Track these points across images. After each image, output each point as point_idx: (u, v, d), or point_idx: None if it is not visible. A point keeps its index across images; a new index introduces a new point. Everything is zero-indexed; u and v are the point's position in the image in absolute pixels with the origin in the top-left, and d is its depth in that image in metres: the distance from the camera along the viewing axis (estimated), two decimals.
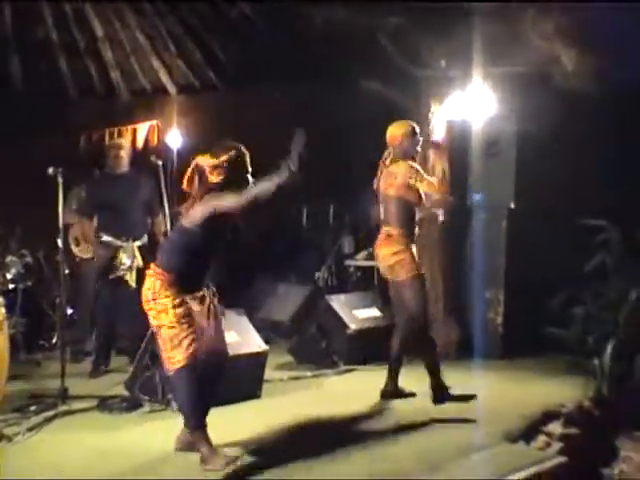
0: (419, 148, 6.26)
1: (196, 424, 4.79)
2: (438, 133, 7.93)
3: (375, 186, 6.30)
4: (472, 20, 7.12)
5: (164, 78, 10.31)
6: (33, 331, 7.89)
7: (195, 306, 4.82)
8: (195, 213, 4.80)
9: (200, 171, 4.88)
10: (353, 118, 9.08)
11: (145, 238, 7.40)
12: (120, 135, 10.07)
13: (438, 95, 7.91)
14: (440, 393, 6.16)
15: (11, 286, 7.62)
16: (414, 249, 6.14)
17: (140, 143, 10.44)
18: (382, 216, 6.24)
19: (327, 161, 9.18)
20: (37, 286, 8.14)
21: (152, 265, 4.91)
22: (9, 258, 7.70)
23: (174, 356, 4.73)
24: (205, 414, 4.82)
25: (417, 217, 6.26)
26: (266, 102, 9.51)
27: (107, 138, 9.95)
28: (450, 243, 7.96)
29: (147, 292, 4.83)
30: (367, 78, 8.05)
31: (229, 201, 4.77)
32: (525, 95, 7.53)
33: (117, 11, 9.38)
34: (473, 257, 7.88)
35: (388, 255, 6.13)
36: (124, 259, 7.17)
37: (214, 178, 4.89)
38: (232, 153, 4.95)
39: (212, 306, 4.92)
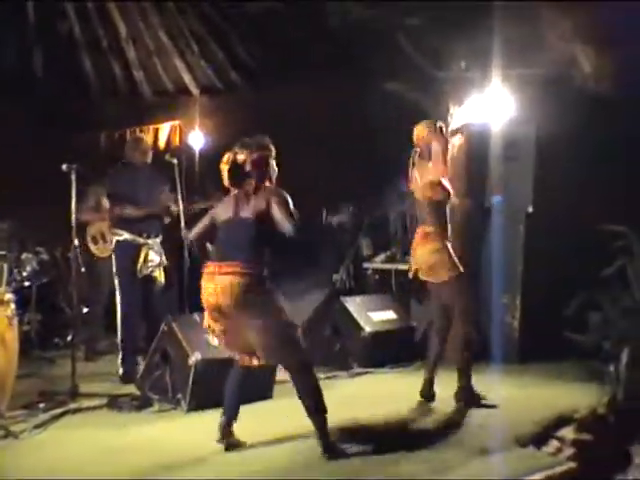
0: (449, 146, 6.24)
1: (324, 408, 4.92)
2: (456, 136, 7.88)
3: (408, 187, 6.34)
4: (492, 21, 7.05)
5: (187, 78, 10.34)
6: (48, 329, 7.91)
7: None
8: (260, 205, 4.95)
9: (239, 165, 4.97)
10: (374, 119, 9.06)
11: (160, 236, 7.33)
12: (142, 133, 10.10)
13: (457, 97, 7.84)
14: (465, 395, 6.14)
15: (26, 283, 7.65)
16: (450, 246, 6.11)
17: (162, 143, 10.47)
18: (418, 216, 6.25)
19: (347, 163, 9.18)
20: (52, 284, 8.15)
21: (233, 264, 4.90)
22: (24, 255, 7.72)
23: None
24: None
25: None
26: (288, 102, 9.50)
27: (129, 136, 9.97)
28: (467, 246, 7.88)
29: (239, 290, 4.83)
30: (388, 79, 8.03)
31: (281, 218, 5.00)
32: (545, 98, 7.46)
33: (141, 10, 9.41)
34: (490, 260, 7.80)
35: (427, 254, 6.11)
36: (152, 256, 7.10)
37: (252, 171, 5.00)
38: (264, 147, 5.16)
39: None
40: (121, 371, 6.95)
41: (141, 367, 6.52)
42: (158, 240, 7.25)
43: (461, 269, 6.11)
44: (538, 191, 7.76)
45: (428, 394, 6.29)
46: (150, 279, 7.11)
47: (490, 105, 7.53)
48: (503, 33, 7.12)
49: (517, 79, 7.38)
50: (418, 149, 6.18)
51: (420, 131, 6.19)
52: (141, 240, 7.10)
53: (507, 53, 7.26)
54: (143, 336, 7.23)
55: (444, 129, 6.21)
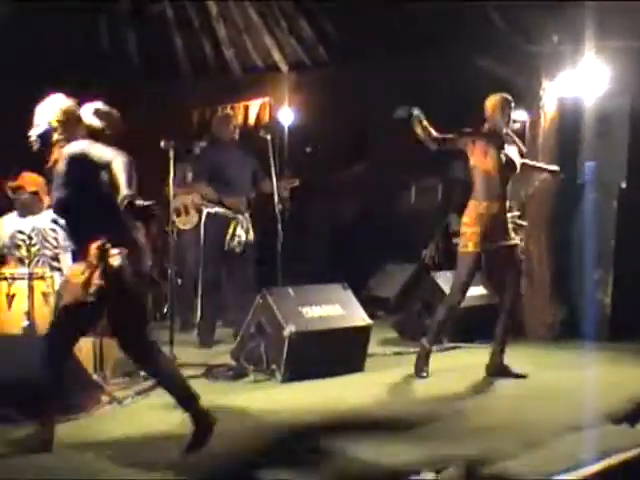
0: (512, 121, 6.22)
1: None
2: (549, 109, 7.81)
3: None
4: None
5: (276, 55, 10.42)
6: None
7: None
8: None
9: None
10: (465, 95, 9.01)
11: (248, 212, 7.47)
12: (232, 112, 10.22)
13: (550, 71, 7.76)
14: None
15: None
16: (487, 223, 6.04)
17: (252, 120, 10.59)
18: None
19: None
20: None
21: None
22: None
23: None
24: None
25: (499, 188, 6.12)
26: (376, 79, 9.52)
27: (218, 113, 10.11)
28: (559, 221, 7.84)
29: None
30: (479, 54, 7.98)
31: None
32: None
33: None
34: (583, 236, 7.73)
35: (462, 224, 6.20)
36: (238, 230, 7.25)
37: None
38: None
39: None
40: (199, 342, 7.22)
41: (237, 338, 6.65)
42: (247, 215, 7.39)
43: (474, 247, 6.06)
44: (632, 165, 7.66)
45: (496, 370, 6.27)
46: (232, 253, 7.26)
47: (583, 79, 7.43)
48: (596, 3, 7.01)
49: (611, 51, 7.26)
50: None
51: (486, 104, 6.21)
52: (231, 214, 7.26)
53: (600, 25, 7.15)
54: (219, 309, 7.55)
55: (508, 101, 6.16)
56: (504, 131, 6.16)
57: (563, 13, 7.21)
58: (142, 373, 5.81)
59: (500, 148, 6.09)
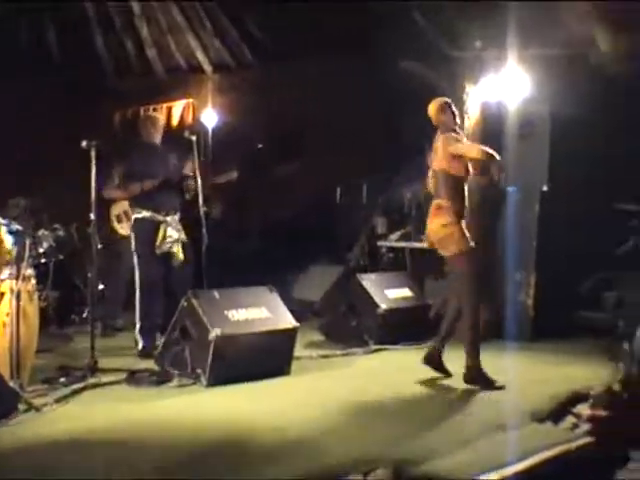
0: (458, 120, 6.24)
1: None
2: (473, 114, 7.91)
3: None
4: (508, 1, 7.06)
5: (200, 56, 10.34)
6: (64, 305, 7.94)
7: None
8: None
9: None
10: (389, 98, 9.08)
11: (178, 213, 7.35)
12: (155, 111, 10.10)
13: (473, 76, 7.86)
14: (472, 375, 6.17)
15: (43, 260, 7.67)
16: (464, 224, 6.12)
17: (175, 121, 10.50)
18: (433, 189, 6.28)
19: (361, 141, 9.20)
20: (70, 260, 8.16)
21: None
22: (41, 231, 7.71)
23: None
24: None
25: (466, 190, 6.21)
26: (300, 81, 9.51)
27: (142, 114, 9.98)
28: (482, 224, 7.91)
29: None
30: (404, 57, 8.04)
31: None
32: (560, 77, 7.48)
33: None
34: (505, 239, 7.84)
35: (438, 227, 6.14)
36: (170, 232, 7.12)
37: None
38: None
39: None
40: (140, 345, 6.99)
41: (160, 343, 6.55)
42: (177, 217, 7.28)
43: (470, 245, 6.10)
44: (553, 170, 7.80)
45: (432, 361, 6.31)
46: (168, 256, 7.14)
47: (505, 84, 7.53)
48: (519, 12, 7.12)
49: (532, 58, 7.38)
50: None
51: (430, 110, 6.25)
52: (160, 217, 7.12)
53: (523, 32, 7.27)
54: (161, 312, 7.24)
55: (452, 107, 6.22)
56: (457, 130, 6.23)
57: (487, 19, 7.30)
58: (62, 380, 5.70)
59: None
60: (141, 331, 7.05)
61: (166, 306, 7.04)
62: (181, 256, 7.12)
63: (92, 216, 6.54)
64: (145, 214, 7.11)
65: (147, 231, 7.10)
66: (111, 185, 7.23)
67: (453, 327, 6.33)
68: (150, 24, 9.93)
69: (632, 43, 6.92)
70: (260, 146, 10.41)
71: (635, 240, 7.06)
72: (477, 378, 6.10)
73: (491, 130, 7.84)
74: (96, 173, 6.39)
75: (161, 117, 7.96)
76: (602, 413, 5.78)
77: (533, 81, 7.54)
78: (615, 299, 7.02)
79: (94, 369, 6.12)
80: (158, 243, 7.03)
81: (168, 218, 7.15)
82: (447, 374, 6.31)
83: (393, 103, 8.16)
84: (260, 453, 4.51)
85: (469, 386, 6.04)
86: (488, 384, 6.02)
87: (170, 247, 7.08)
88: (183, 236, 7.19)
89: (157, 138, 7.39)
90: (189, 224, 7.34)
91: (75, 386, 5.72)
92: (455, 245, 6.07)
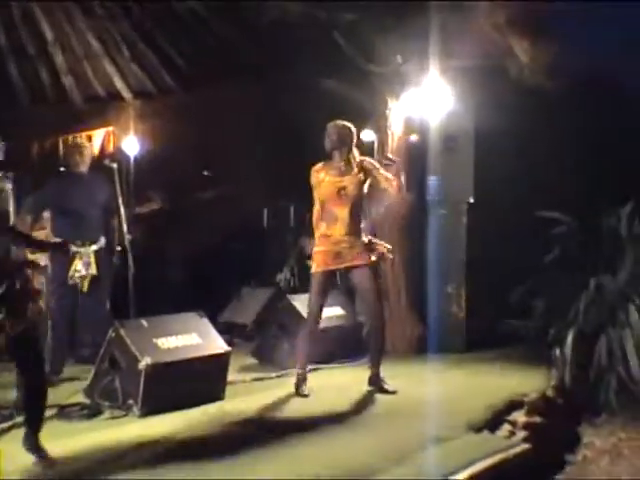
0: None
1: None
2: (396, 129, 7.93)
3: None
4: (427, 14, 7.10)
5: (118, 83, 10.19)
6: None
7: None
8: None
9: None
10: (312, 117, 9.06)
11: (102, 241, 7.26)
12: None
13: (395, 91, 7.88)
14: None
15: None
16: (330, 245, 6.30)
17: (96, 150, 10.30)
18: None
19: (287, 161, 9.17)
20: None
21: None
22: None
23: None
24: None
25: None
26: (222, 104, 9.45)
27: (62, 144, 9.79)
28: (411, 238, 7.94)
29: None
30: (323, 76, 8.04)
31: None
32: (483, 89, 7.54)
33: (67, 14, 9.23)
34: (434, 252, 7.87)
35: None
36: (79, 266, 7.04)
37: None
38: None
39: None
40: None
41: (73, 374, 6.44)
42: (95, 247, 7.17)
43: (318, 268, 6.35)
44: (479, 181, 7.86)
45: (374, 382, 6.44)
46: (82, 288, 7.06)
47: (428, 98, 7.57)
48: (438, 25, 7.18)
49: (454, 71, 7.43)
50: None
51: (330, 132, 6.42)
52: (74, 248, 7.01)
53: (443, 46, 7.32)
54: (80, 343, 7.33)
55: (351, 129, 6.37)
56: (345, 160, 6.35)
57: (407, 33, 7.32)
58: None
59: (336, 177, 6.33)
60: (50, 361, 6.94)
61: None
62: (85, 289, 7.05)
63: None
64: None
65: (61, 261, 7.01)
66: (24, 216, 7.11)
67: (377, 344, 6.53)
68: (65, 51, 9.73)
69: (550, 54, 7.01)
70: (206, 173, 10.33)
71: (561, 247, 7.14)
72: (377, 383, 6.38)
73: (415, 144, 7.87)
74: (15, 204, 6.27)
75: (88, 145, 7.85)
76: (537, 420, 5.84)
77: (456, 94, 7.58)
78: (544, 307, 7.08)
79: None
80: (71, 274, 6.98)
81: (82, 250, 7.05)
82: (387, 392, 6.34)
83: (314, 122, 8.12)
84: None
85: (403, 400, 6.04)
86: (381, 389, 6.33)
87: (79, 280, 7.02)
88: (92, 271, 7.11)
89: (84, 167, 7.31)
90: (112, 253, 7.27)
91: (2, 425, 5.54)
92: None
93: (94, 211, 7.25)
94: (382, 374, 6.45)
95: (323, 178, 6.35)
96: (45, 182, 7.36)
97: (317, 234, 6.40)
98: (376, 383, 6.42)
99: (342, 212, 6.29)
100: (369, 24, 7.41)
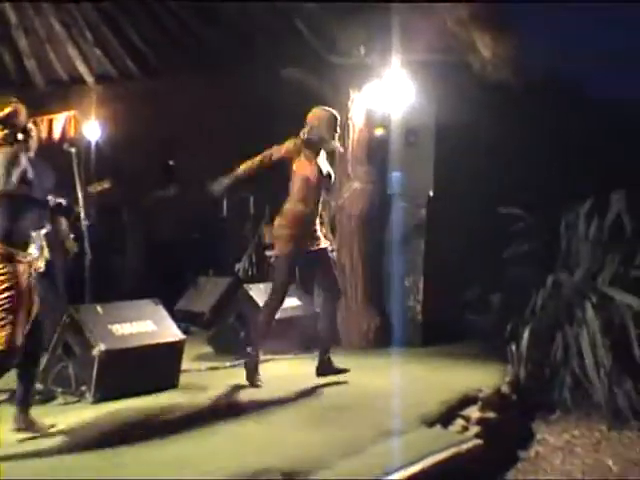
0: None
1: None
2: (357, 121, 7.92)
3: None
4: (390, 6, 7.09)
5: (81, 68, 10.10)
6: None
7: None
8: None
9: None
10: (273, 105, 9.03)
11: (49, 226, 7.17)
12: (35, 125, 9.76)
13: (357, 83, 7.86)
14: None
15: None
16: (301, 226, 6.24)
17: (57, 134, 10.21)
18: None
19: (247, 150, 9.12)
20: None
21: None
22: None
23: None
24: None
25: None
26: (184, 91, 9.39)
27: None
28: (370, 231, 7.94)
29: None
30: (286, 65, 8.00)
31: None
32: (445, 83, 7.55)
33: None
34: (393, 245, 7.88)
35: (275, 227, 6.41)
36: (31, 249, 6.93)
37: None
38: None
39: None
40: None
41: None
42: (42, 232, 7.09)
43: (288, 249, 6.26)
44: (439, 175, 7.87)
45: (325, 370, 6.46)
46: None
47: (389, 91, 7.56)
48: (401, 18, 7.17)
49: (416, 65, 7.42)
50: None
51: (315, 116, 6.35)
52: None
53: (405, 38, 7.31)
54: None
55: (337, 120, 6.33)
56: (330, 145, 6.33)
57: (370, 25, 7.31)
58: None
59: (318, 158, 6.29)
60: None
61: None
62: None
63: None
64: None
65: None
66: None
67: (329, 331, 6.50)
68: (28, 35, 9.62)
69: (512, 49, 7.03)
70: (171, 162, 10.24)
71: (520, 242, 7.18)
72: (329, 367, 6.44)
73: (376, 137, 7.87)
74: None
75: (39, 129, 7.73)
76: (491, 415, 5.86)
77: (418, 87, 7.58)
78: (501, 302, 7.12)
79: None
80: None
81: (33, 234, 6.95)
82: (343, 371, 6.39)
83: (275, 112, 8.10)
84: (149, 464, 4.41)
85: (357, 393, 6.04)
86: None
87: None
88: (46, 255, 7.02)
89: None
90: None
91: None
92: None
93: (42, 196, 7.15)
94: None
95: (301, 154, 6.26)
96: None
97: (290, 212, 6.28)
98: (328, 369, 6.40)
99: (319, 194, 6.29)
100: (331, 14, 7.38)
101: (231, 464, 4.40)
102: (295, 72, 7.90)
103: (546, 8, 7.65)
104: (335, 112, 6.36)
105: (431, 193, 7.91)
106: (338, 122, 6.34)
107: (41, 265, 6.91)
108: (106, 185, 7.22)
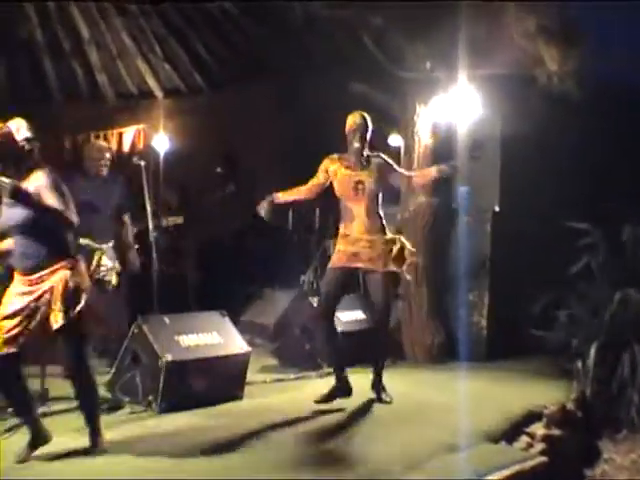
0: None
1: None
2: (423, 135, 7.92)
3: None
4: (457, 21, 7.07)
5: (150, 81, 10.27)
6: None
7: None
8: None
9: None
10: (340, 120, 9.06)
11: (112, 241, 7.30)
12: (106, 139, 10.00)
13: (423, 97, 7.87)
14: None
15: None
16: (348, 243, 6.19)
17: (126, 147, 10.38)
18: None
19: (313, 163, 9.17)
20: None
21: None
22: None
23: None
24: None
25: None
26: (251, 105, 9.50)
27: (92, 141, 9.86)
28: (435, 245, 7.92)
29: None
30: (353, 80, 8.03)
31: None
32: (510, 97, 7.51)
33: (102, 12, 9.32)
34: (457, 260, 7.85)
35: None
36: (105, 261, 7.08)
37: None
38: None
39: None
40: None
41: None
42: (110, 244, 7.23)
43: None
44: (504, 190, 7.83)
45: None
46: (101, 283, 7.08)
47: (455, 105, 7.55)
48: (468, 32, 7.14)
49: (483, 79, 7.40)
50: None
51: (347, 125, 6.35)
52: (95, 245, 7.06)
53: (472, 53, 7.28)
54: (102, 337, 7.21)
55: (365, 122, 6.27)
56: (362, 153, 6.22)
57: (436, 40, 7.30)
58: (9, 409, 5.53)
59: (350, 170, 6.20)
60: None
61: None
62: (114, 283, 7.07)
63: None
64: (82, 241, 7.04)
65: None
66: None
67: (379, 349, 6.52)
68: (99, 49, 9.82)
69: (579, 61, 6.97)
70: (219, 170, 10.37)
71: (587, 257, 7.09)
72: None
73: (442, 151, 7.85)
74: None
75: (108, 147, 7.87)
76: (556, 432, 5.80)
77: (484, 101, 7.54)
78: (568, 318, 7.04)
79: (45, 397, 6.00)
80: (91, 270, 7.00)
81: (103, 246, 7.10)
82: (382, 401, 6.30)
83: (341, 126, 8.13)
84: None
85: (421, 408, 6.03)
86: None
87: (104, 275, 7.03)
88: (117, 265, 7.15)
89: (102, 167, 7.31)
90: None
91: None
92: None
93: (109, 211, 7.29)
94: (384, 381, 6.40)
95: (336, 170, 6.23)
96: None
97: (339, 233, 6.31)
98: (377, 390, 6.36)
99: (359, 209, 6.16)
100: (398, 29, 7.39)
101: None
102: (361, 87, 7.92)
103: (617, 16, 7.50)
104: (358, 115, 6.29)
105: (497, 208, 7.87)
106: (356, 124, 6.23)
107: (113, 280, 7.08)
108: (179, 220, 7.34)
